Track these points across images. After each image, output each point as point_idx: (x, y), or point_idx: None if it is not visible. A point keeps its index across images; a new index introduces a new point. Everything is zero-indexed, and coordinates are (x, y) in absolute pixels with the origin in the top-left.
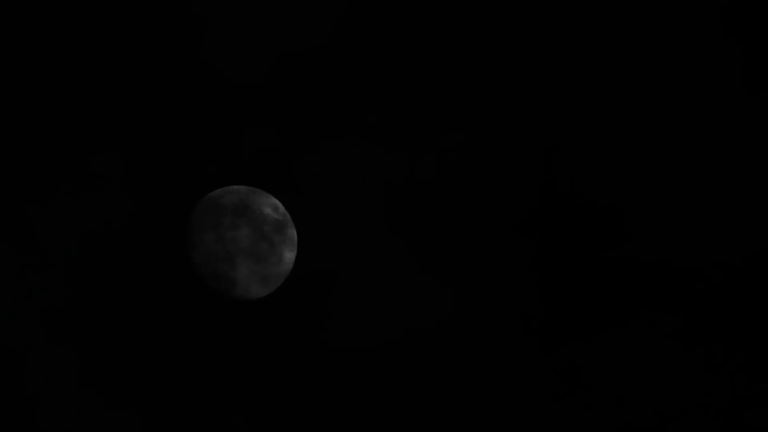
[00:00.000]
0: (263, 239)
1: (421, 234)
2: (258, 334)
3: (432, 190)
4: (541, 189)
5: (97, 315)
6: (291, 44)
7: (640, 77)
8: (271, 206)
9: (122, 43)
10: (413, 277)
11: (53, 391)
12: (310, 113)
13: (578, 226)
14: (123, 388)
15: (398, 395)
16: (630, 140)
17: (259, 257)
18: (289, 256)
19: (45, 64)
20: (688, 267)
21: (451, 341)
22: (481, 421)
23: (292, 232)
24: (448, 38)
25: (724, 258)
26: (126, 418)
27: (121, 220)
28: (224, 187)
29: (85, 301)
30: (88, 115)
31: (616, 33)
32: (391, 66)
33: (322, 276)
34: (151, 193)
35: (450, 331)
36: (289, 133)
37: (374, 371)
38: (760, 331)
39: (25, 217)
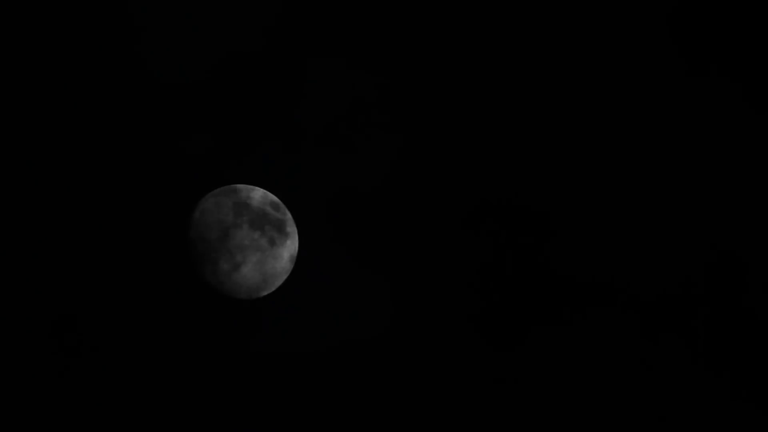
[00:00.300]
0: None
1: (361, 237)
2: (190, 341)
3: (373, 193)
4: (479, 193)
5: (98, 314)
6: (229, 46)
7: (576, 87)
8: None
9: (53, 43)
10: (355, 281)
11: (53, 392)
12: (247, 116)
13: (514, 231)
14: (122, 387)
15: (343, 399)
16: (563, 147)
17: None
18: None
19: None
20: (612, 270)
21: (394, 345)
22: (423, 423)
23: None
24: (383, 40)
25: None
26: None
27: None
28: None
29: (84, 300)
30: (28, 116)
31: (551, 35)
32: (327, 68)
33: (259, 281)
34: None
35: (393, 336)
36: (226, 136)
37: (315, 377)
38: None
39: None
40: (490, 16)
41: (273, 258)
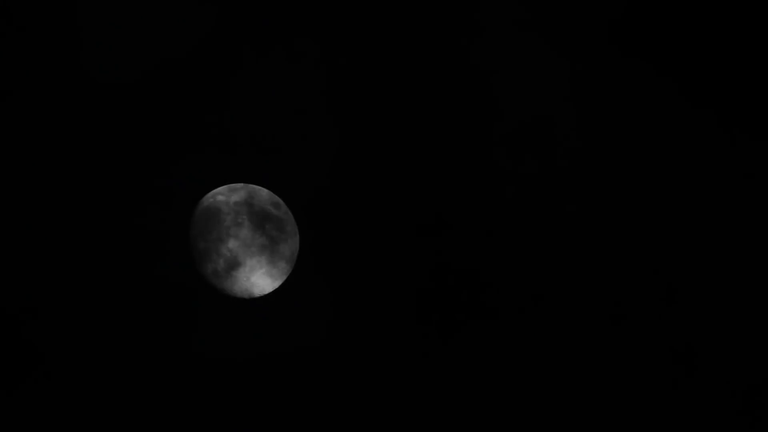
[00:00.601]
0: None
1: (303, 240)
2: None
3: (312, 199)
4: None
5: (98, 314)
6: (165, 51)
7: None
8: None
9: None
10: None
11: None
12: (179, 120)
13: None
14: (122, 387)
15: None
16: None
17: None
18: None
19: None
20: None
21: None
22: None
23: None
24: (318, 42)
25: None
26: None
27: None
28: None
29: (85, 299)
30: None
31: (487, 43)
32: (262, 71)
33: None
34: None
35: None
36: (158, 140)
37: (252, 383)
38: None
39: None
40: (427, 20)
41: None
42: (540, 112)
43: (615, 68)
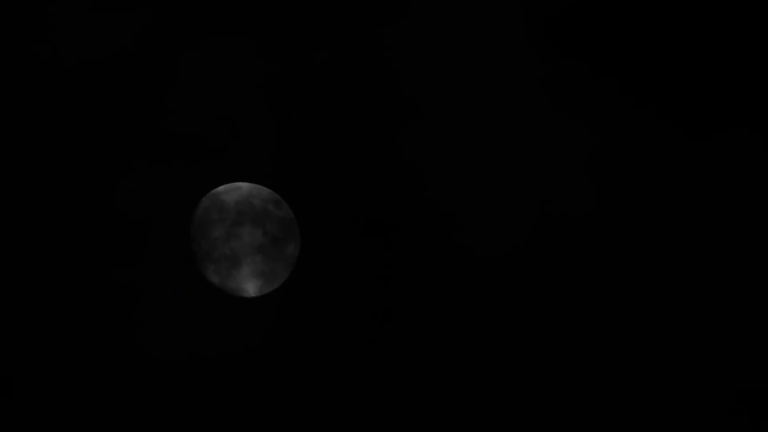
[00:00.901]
0: None
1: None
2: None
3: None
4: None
5: (98, 313)
6: (90, 52)
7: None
8: None
9: None
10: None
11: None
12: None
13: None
14: (121, 386)
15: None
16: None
17: None
18: None
19: None
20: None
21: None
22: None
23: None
24: (254, 45)
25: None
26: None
27: None
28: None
29: (84, 298)
30: None
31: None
32: (197, 71)
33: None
34: None
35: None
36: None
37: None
38: None
39: None
40: (363, 22)
41: None
42: (469, 111)
43: (555, 68)
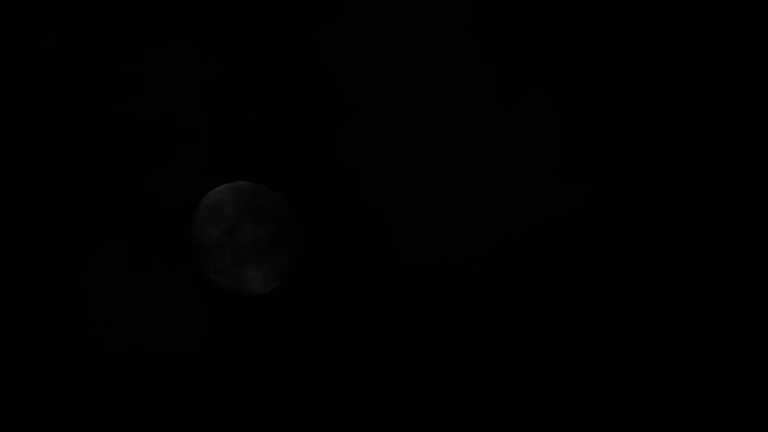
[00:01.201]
0: None
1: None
2: None
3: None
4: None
5: (98, 312)
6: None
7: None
8: None
9: None
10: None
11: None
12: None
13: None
14: (121, 386)
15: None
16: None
17: None
18: None
19: None
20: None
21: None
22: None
23: None
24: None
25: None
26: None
27: None
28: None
29: (84, 297)
30: None
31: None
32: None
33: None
34: None
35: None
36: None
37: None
38: None
39: None
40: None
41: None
42: (414, 111)
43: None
